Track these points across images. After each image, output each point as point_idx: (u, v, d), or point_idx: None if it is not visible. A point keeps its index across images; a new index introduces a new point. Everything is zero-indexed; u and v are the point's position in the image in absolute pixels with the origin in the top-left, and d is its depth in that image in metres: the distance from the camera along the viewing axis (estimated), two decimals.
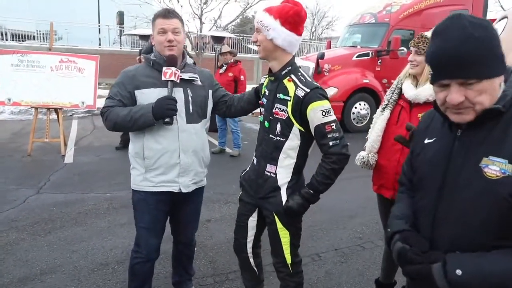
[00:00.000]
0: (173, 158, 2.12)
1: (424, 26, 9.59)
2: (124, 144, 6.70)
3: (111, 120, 2.06)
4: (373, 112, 9.38)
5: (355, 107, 9.19)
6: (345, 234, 3.83)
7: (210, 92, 2.28)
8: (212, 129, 8.02)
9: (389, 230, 1.38)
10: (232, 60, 6.47)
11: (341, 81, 9.04)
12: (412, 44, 2.14)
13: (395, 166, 2.17)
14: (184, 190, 2.18)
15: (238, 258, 2.33)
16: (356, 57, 9.37)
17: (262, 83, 2.14)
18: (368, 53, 9.40)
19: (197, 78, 2.17)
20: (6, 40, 16.12)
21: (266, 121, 2.01)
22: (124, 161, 5.96)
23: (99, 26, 20.71)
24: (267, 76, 2.10)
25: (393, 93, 2.26)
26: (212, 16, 14.93)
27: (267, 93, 2.04)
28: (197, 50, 14.07)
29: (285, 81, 1.93)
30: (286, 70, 1.93)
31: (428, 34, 2.11)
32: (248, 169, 2.22)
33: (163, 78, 2.02)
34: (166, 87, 2.04)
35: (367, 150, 2.30)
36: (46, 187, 4.74)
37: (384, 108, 2.27)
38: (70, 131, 7.94)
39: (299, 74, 1.93)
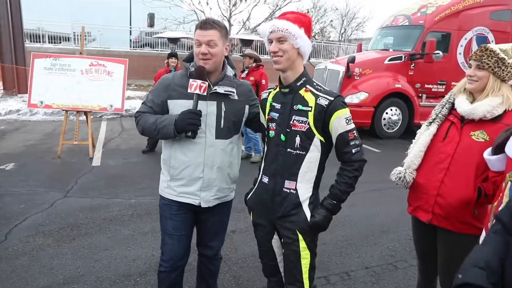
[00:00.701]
0: (197, 172, 2.08)
1: (461, 28, 9.19)
2: (150, 148, 6.72)
3: (140, 125, 2.11)
4: (405, 118, 9.05)
5: (386, 113, 8.87)
6: (376, 251, 3.62)
7: (247, 107, 2.19)
8: None
9: (460, 276, 1.13)
10: (253, 64, 6.32)
11: (372, 85, 8.75)
12: (474, 57, 1.93)
13: (436, 187, 1.98)
14: (204, 205, 2.12)
15: (269, 285, 2.19)
16: (388, 60, 9.05)
17: (266, 98, 2.03)
18: (401, 56, 9.06)
19: (233, 92, 2.08)
20: (44, 42, 16.69)
21: (281, 135, 1.90)
22: (150, 165, 6.02)
23: (130, 28, 21.14)
24: (271, 89, 2.04)
25: (443, 108, 2.07)
26: (241, 18, 14.92)
27: (277, 106, 1.93)
28: None
29: (302, 91, 1.87)
30: (301, 81, 1.88)
31: (493, 46, 1.90)
32: (254, 189, 2.10)
33: (188, 90, 1.95)
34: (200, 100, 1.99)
35: (406, 165, 2.11)
36: (73, 191, 4.78)
37: (430, 123, 2.08)
38: (99, 133, 8.07)
39: (314, 83, 1.90)
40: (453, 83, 9.41)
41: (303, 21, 1.82)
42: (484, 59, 1.88)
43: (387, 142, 8.48)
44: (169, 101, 2.06)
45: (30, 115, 9.55)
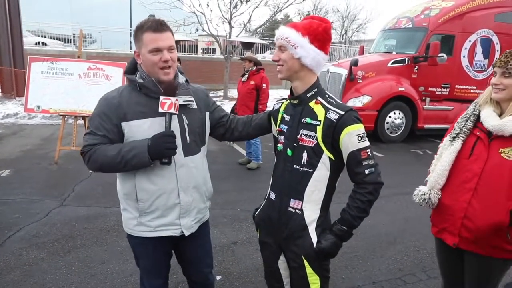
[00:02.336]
0: (172, 199, 1.81)
1: (466, 30, 9.05)
2: None
3: (96, 161, 1.70)
4: (408, 121, 8.91)
5: (389, 116, 8.72)
6: (383, 264, 3.48)
7: (207, 114, 1.97)
8: None
9: None
10: (254, 68, 6.05)
11: (375, 89, 8.60)
12: (498, 64, 1.78)
13: (464, 208, 1.83)
14: (187, 233, 1.89)
15: None
16: (392, 63, 8.90)
17: (278, 109, 1.89)
18: (404, 59, 8.91)
19: (192, 101, 1.84)
20: (45, 44, 16.57)
21: (288, 149, 1.75)
22: None
23: (130, 30, 21.05)
24: (284, 100, 1.88)
25: (467, 121, 1.90)
26: (241, 20, 14.80)
27: (287, 118, 1.79)
28: (225, 54, 13.96)
29: (312, 104, 1.73)
30: (312, 92, 1.73)
31: None
32: (262, 206, 1.96)
33: (160, 110, 1.69)
34: (158, 116, 1.72)
35: (429, 185, 1.96)
36: (70, 199, 4.64)
37: (454, 138, 1.91)
38: None
39: (327, 96, 1.75)
40: (457, 86, 9.30)
41: (313, 28, 1.65)
42: (510, 65, 1.73)
43: (390, 146, 8.33)
44: (123, 124, 1.71)
45: (28, 119, 9.43)
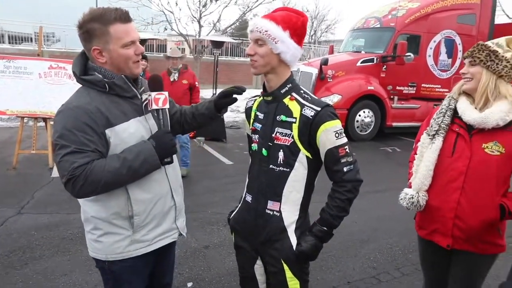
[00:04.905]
0: (168, 203, 1.70)
1: (431, 31, 9.30)
2: None
3: (96, 181, 1.41)
4: (377, 120, 9.05)
5: (359, 115, 8.85)
6: (357, 264, 3.45)
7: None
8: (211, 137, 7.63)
9: None
10: (181, 65, 5.54)
11: (345, 88, 8.70)
12: (466, 55, 1.79)
13: (454, 208, 1.80)
14: (184, 233, 1.83)
15: None
16: (361, 62, 9.03)
17: (251, 107, 1.79)
18: (373, 58, 9.06)
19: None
20: (3, 42, 15.70)
21: (263, 149, 1.67)
22: None
23: None
24: (256, 97, 1.79)
25: (444, 116, 1.86)
26: (211, 19, 14.63)
27: (260, 116, 1.70)
28: (195, 53, 13.74)
29: (286, 100, 1.64)
30: (286, 88, 1.64)
31: (490, 44, 1.75)
32: (238, 208, 1.87)
33: (154, 107, 1.57)
34: (138, 116, 1.58)
35: (415, 188, 1.90)
36: (28, 206, 4.35)
37: (434, 135, 1.86)
38: None
39: (302, 91, 1.66)
40: (423, 84, 9.54)
41: (293, 22, 1.56)
42: (476, 53, 1.74)
43: (360, 145, 8.43)
44: (107, 131, 1.48)
45: None
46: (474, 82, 1.77)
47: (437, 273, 2.09)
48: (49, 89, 5.85)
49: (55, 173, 5.53)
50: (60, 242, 3.56)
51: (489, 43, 1.77)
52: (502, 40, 1.77)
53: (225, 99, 1.80)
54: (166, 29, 14.05)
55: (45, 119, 6.04)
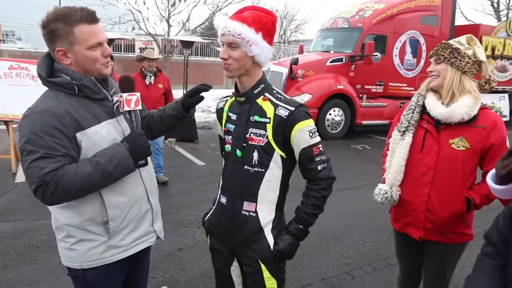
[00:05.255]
0: (143, 206, 1.65)
1: (396, 31, 9.59)
2: None
3: (67, 187, 1.35)
4: (347, 118, 9.23)
5: (329, 114, 9.00)
6: (331, 260, 3.51)
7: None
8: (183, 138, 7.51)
9: None
10: (155, 68, 5.25)
11: (315, 87, 8.82)
12: (431, 54, 1.90)
13: (424, 202, 1.89)
14: (162, 236, 1.80)
15: None
16: (330, 62, 9.18)
17: (222, 107, 1.78)
18: (342, 58, 9.23)
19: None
20: None
21: (237, 150, 1.66)
22: None
23: None
24: (228, 97, 1.78)
25: (413, 112, 1.94)
26: (180, 19, 14.44)
27: (233, 117, 1.70)
28: (164, 54, 13.53)
29: (260, 100, 1.64)
30: (259, 89, 1.65)
31: (452, 42, 1.85)
32: (212, 210, 1.86)
33: (126, 108, 1.52)
34: (110, 118, 1.53)
35: (389, 183, 1.98)
36: None
37: (404, 132, 1.94)
38: None
39: (274, 91, 1.67)
40: (390, 83, 9.82)
41: (263, 22, 1.55)
42: (440, 51, 1.85)
43: (331, 143, 8.56)
44: (78, 135, 1.42)
45: None
46: (440, 79, 1.85)
47: (411, 264, 2.19)
48: (11, 90, 5.59)
49: (19, 178, 5.29)
50: (26, 250, 3.41)
51: (451, 41, 1.87)
52: (463, 38, 1.88)
53: (192, 98, 1.79)
54: (134, 28, 13.74)
55: (6, 122, 5.77)
